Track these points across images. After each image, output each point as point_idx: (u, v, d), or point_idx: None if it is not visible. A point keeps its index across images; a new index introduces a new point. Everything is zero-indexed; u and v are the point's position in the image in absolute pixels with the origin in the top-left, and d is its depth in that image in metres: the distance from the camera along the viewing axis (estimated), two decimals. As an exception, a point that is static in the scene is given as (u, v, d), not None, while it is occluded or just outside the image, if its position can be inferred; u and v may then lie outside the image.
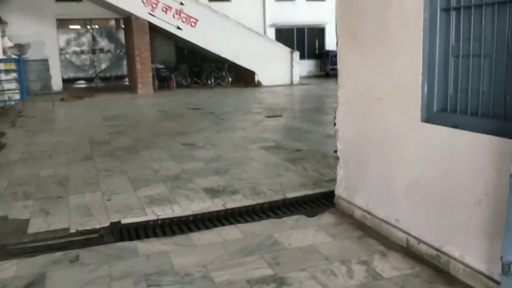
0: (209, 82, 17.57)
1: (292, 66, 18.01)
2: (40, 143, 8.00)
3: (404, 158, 3.45)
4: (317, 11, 20.85)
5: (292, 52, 18.05)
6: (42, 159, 6.77)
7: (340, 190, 4.32)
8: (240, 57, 17.23)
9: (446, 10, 3.07)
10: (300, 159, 6.22)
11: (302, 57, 18.86)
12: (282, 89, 16.46)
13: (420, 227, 3.32)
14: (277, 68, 17.77)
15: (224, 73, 17.66)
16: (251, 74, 17.77)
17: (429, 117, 3.23)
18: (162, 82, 17.35)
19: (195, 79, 18.53)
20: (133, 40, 16.21)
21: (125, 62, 19.94)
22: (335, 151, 4.42)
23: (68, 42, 19.65)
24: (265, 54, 17.51)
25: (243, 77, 18.15)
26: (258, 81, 17.57)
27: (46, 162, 6.56)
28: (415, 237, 3.36)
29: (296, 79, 18.03)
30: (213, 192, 4.93)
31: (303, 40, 21.12)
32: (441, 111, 3.18)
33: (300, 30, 21.06)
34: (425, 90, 3.22)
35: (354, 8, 3.95)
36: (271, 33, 20.18)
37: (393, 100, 3.54)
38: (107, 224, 4.15)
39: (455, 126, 2.99)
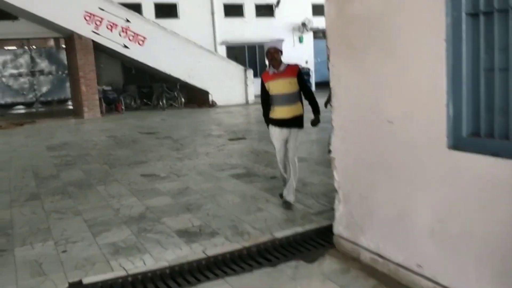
0: (161, 103, 16.75)
1: (246, 85, 17.54)
2: (-25, 180, 6.98)
3: (425, 192, 2.94)
4: (268, 27, 20.59)
5: (245, 70, 17.61)
6: (-23, 201, 5.81)
7: (340, 228, 3.76)
8: (192, 76, 16.57)
9: (473, 15, 2.61)
10: (278, 188, 5.63)
11: (255, 75, 18.45)
12: (238, 109, 15.91)
13: (452, 275, 2.81)
14: (231, 87, 17.24)
15: (176, 94, 16.91)
16: (205, 94, 17.13)
17: (458, 143, 2.74)
18: (109, 105, 16.35)
19: (145, 100, 17.65)
20: (76, 61, 15.17)
21: (68, 84, 18.73)
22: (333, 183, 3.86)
23: (4, 64, 18.22)
24: (218, 73, 16.95)
25: (197, 97, 17.48)
26: (212, 101, 16.95)
27: (-17, 205, 5.61)
28: (445, 287, 2.84)
29: (251, 98, 17.56)
30: (188, 235, 4.24)
31: (255, 57, 20.76)
32: (472, 135, 2.71)
33: (252, 47, 20.70)
34: (451, 110, 2.75)
35: (351, 14, 3.42)
36: (222, 51, 19.67)
37: (408, 123, 3.03)
38: (65, 286, 3.37)
39: (495, 154, 2.52)
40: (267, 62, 4.68)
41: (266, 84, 4.61)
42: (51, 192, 6.07)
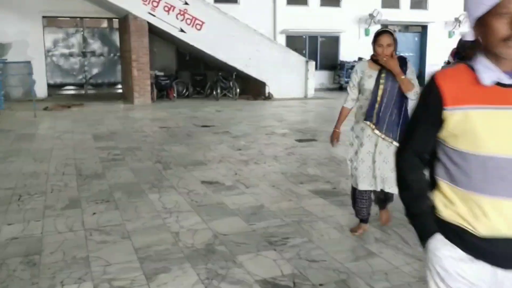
0: (214, 93, 15.61)
1: (307, 78, 16.13)
2: (9, 174, 5.97)
3: None
4: (332, 18, 19.06)
5: (307, 62, 16.19)
6: (6, 204, 4.75)
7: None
8: (249, 65, 15.33)
9: None
10: (378, 217, 4.29)
11: (316, 67, 17.03)
12: (297, 104, 14.55)
13: None
14: (291, 79, 15.88)
15: (231, 84, 15.73)
16: (261, 85, 15.86)
17: None
18: (161, 91, 15.35)
19: (197, 89, 16.58)
20: (129, 43, 14.22)
21: (119, 67, 17.90)
22: None
23: (55, 43, 17.54)
24: (277, 63, 15.62)
25: (252, 88, 16.24)
26: (269, 93, 15.67)
27: (12, 211, 4.55)
28: None
29: (310, 93, 16.16)
30: (280, 291, 2.97)
31: (316, 49, 19.28)
32: None
33: (313, 38, 19.23)
34: None
35: None
36: (282, 40, 18.31)
37: None
38: None
39: None
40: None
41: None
42: (95, 197, 4.96)
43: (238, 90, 15.72)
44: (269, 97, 15.58)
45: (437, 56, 20.62)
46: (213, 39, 14.64)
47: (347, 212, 4.48)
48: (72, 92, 18.04)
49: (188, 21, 14.47)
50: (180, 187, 5.38)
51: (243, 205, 4.71)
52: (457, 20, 20.87)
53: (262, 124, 10.39)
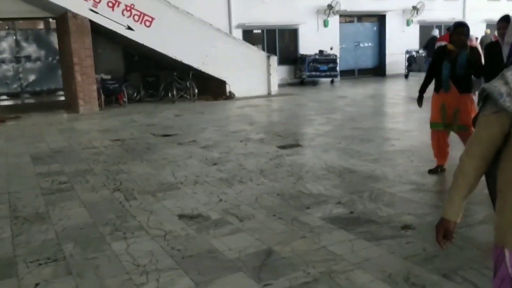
0: (170, 95, 14.17)
1: (269, 74, 14.98)
2: None
3: None
4: (289, 9, 18.00)
5: (268, 57, 15.04)
6: None
7: None
8: (207, 63, 13.98)
9: None
10: (437, 257, 3.20)
11: (278, 62, 15.94)
12: (262, 102, 13.38)
13: None
14: (252, 76, 14.68)
15: (188, 84, 14.32)
16: (220, 84, 14.57)
17: None
18: (109, 96, 13.71)
19: (150, 91, 15.03)
20: (70, 45, 12.53)
21: (60, 72, 16.06)
22: None
23: (-17, 49, 15.49)
24: (237, 60, 14.37)
25: (211, 88, 14.90)
26: (230, 92, 14.41)
27: None
28: None
29: (274, 89, 15.03)
30: None
31: (274, 43, 18.18)
32: None
33: (271, 31, 18.12)
34: None
35: None
36: (238, 35, 17.05)
37: None
38: None
39: None
40: None
41: None
42: (37, 255, 3.57)
43: (196, 90, 14.35)
44: (230, 97, 14.32)
45: (396, 45, 20.09)
46: (165, 36, 13.20)
47: (386, 251, 3.35)
48: (6, 103, 16.03)
49: (136, 18, 12.95)
50: (152, 227, 4.08)
51: (244, 251, 3.48)
52: (414, 8, 20.36)
53: (231, 128, 9.13)
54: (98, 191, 5.28)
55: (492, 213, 3.84)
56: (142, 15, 12.97)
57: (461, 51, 5.05)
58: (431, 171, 5.37)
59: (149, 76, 15.20)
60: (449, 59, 5.08)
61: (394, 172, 5.47)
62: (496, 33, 5.45)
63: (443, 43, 15.80)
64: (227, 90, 14.45)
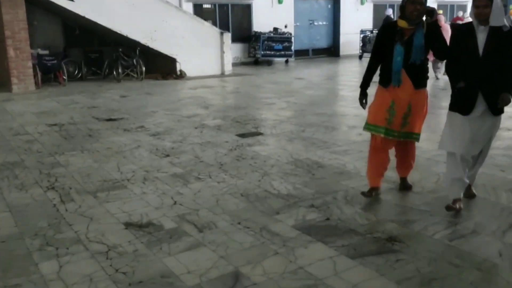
0: (115, 73, 13.10)
1: (222, 52, 14.19)
2: None
3: None
4: (243, -17, 17.18)
5: (222, 34, 14.22)
6: None
7: None
8: (155, 39, 13.00)
9: None
10: (426, 278, 2.72)
11: (232, 40, 15.14)
12: (216, 83, 12.63)
13: None
14: (204, 54, 13.85)
15: (135, 61, 13.28)
16: (170, 61, 13.64)
17: None
18: (47, 74, 12.46)
19: (93, 68, 13.85)
20: (1, 16, 11.21)
21: (-10, 45, 14.53)
22: None
23: None
24: (188, 36, 13.47)
25: (160, 66, 13.94)
26: (181, 71, 13.52)
27: None
28: None
29: (228, 69, 14.27)
30: None
31: (227, 19, 17.31)
32: None
33: (223, 6, 17.21)
34: None
35: None
36: (188, 9, 16.04)
37: None
38: None
39: None
40: None
41: None
42: None
43: (143, 68, 13.35)
44: (181, 76, 13.45)
45: (351, 24, 19.74)
46: (109, 8, 12.11)
47: (375, 273, 2.82)
48: None
49: (76, -13, 11.75)
50: (92, 240, 3.36)
51: (206, 275, 2.85)
52: (369, -14, 20.04)
53: (184, 112, 8.36)
54: (29, 190, 4.46)
55: (483, 220, 3.45)
56: (83, -16, 11.77)
57: (416, 29, 3.67)
58: (365, 194, 4.02)
59: (92, 52, 13.99)
60: (401, 41, 3.68)
61: (365, 166, 4.97)
62: (469, 13, 4.83)
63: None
64: (178, 68, 13.56)
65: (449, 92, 3.80)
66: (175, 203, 4.06)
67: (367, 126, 3.98)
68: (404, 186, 4.21)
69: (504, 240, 3.26)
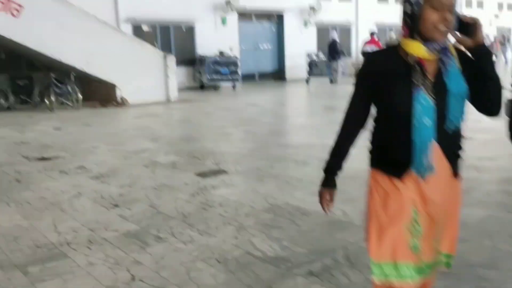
0: (47, 101, 11.81)
1: (167, 76, 13.28)
2: None
3: None
4: (184, 4, 16.42)
5: (165, 57, 13.32)
6: None
7: None
8: (92, 63, 11.92)
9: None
10: None
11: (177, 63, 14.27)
12: (162, 110, 11.68)
13: None
14: (148, 79, 12.88)
15: (69, 88, 12.07)
16: (110, 88, 12.56)
17: None
18: (-33, 103, 11.03)
19: (22, 97, 12.47)
20: None
21: None
22: None
23: None
24: (128, 59, 12.47)
25: (98, 93, 12.79)
26: (122, 98, 12.45)
27: None
28: None
29: (174, 94, 13.36)
30: None
31: (169, 41, 16.45)
32: None
33: (165, 28, 16.35)
34: None
35: None
36: (127, 30, 15.04)
37: None
38: None
39: None
40: None
41: None
42: None
43: (79, 96, 12.16)
44: (122, 103, 12.37)
45: (295, 48, 19.46)
46: (39, 30, 10.95)
47: None
48: None
49: (0, 5, 10.51)
50: None
51: None
52: (311, 8, 19.92)
53: (130, 147, 7.36)
54: None
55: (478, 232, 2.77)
56: (7, 1, 10.56)
57: (443, 58, 1.81)
58: None
59: (20, 79, 12.64)
60: (425, 84, 1.80)
61: (357, 211, 4.27)
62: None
63: (369, 47, 14.43)
64: (118, 95, 12.48)
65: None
66: (133, 278, 3.12)
67: (379, 269, 1.90)
68: None
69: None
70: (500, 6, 30.80)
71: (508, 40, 23.50)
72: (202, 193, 4.89)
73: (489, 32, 26.42)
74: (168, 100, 13.11)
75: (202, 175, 5.56)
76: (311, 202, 4.48)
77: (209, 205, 4.50)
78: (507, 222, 3.94)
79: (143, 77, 12.75)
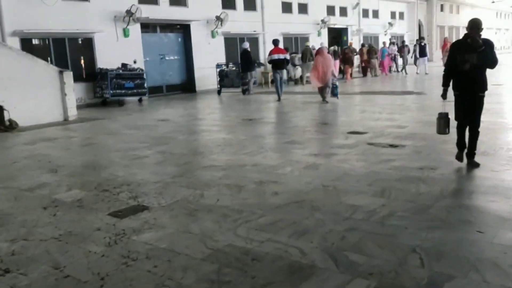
0: None
1: (64, 94, 11.75)
2: None
3: None
4: (80, 15, 14.92)
5: (61, 73, 11.80)
6: None
7: None
8: (-29, 82, 10.15)
9: None
10: None
11: (75, 79, 12.75)
12: (60, 132, 10.20)
13: None
14: (41, 97, 11.29)
15: None
16: (-5, 109, 10.81)
17: None
18: None
19: None
20: None
21: None
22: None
23: None
24: (18, 76, 10.85)
25: (-19, 116, 10.96)
26: (10, 120, 10.75)
27: None
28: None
29: (72, 113, 11.86)
30: None
31: (65, 55, 14.78)
32: None
33: (59, 41, 14.66)
34: None
35: None
36: (15, 44, 13.21)
37: None
38: None
39: None
40: None
41: None
42: None
43: (-43, 121, 10.29)
44: (11, 127, 10.67)
45: (204, 58, 18.67)
46: None
47: None
48: None
49: None
50: None
51: None
52: (218, 18, 19.26)
53: (23, 182, 6.01)
54: None
55: None
56: None
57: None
58: None
59: None
60: None
61: (316, 248, 3.53)
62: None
63: (276, 56, 14.88)
64: (6, 118, 10.77)
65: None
66: None
67: None
68: None
69: None
70: (393, 14, 32.54)
71: (407, 45, 24.99)
72: (120, 241, 3.87)
73: (385, 39, 27.69)
74: (66, 120, 11.62)
75: (118, 214, 4.52)
76: (260, 241, 3.71)
77: (132, 259, 3.51)
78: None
79: (36, 96, 11.18)
